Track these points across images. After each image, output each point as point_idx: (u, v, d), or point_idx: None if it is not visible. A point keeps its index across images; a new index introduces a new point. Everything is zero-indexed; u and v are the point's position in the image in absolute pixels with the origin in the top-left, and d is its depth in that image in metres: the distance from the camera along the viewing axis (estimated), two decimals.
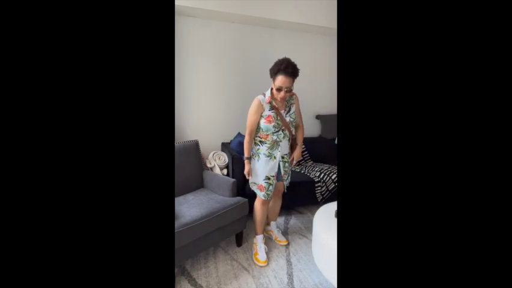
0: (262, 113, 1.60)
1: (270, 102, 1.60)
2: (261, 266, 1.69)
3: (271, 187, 1.70)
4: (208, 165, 2.34)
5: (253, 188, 1.76)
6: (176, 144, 1.96)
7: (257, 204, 1.77)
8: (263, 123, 1.60)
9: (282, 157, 1.69)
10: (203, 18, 2.44)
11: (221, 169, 2.34)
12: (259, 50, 2.67)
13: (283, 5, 2.47)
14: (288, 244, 1.93)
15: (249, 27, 2.63)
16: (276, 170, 1.69)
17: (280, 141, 1.64)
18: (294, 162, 1.74)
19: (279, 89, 1.51)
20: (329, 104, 3.13)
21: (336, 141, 2.93)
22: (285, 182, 1.77)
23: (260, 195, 1.72)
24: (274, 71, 1.51)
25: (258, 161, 1.67)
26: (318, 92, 3.06)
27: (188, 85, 2.50)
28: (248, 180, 1.78)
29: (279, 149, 1.65)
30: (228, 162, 2.34)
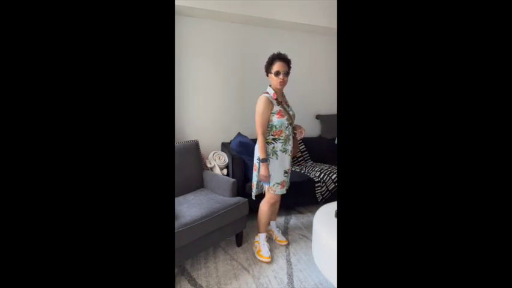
0: (272, 110, 1.61)
1: (276, 98, 1.64)
2: (266, 262, 1.70)
3: (288, 180, 1.74)
4: (208, 165, 2.34)
5: (277, 189, 1.70)
6: (176, 144, 1.96)
7: (264, 206, 1.76)
8: (276, 119, 1.61)
9: (290, 151, 1.73)
10: (203, 18, 2.44)
11: (221, 169, 2.34)
12: (259, 50, 2.67)
13: (283, 5, 2.47)
14: (288, 244, 1.93)
15: (249, 27, 2.63)
16: (289, 162, 1.72)
17: (291, 134, 1.69)
18: (303, 133, 1.76)
19: (277, 73, 1.56)
20: (329, 104, 3.13)
21: (336, 141, 2.93)
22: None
23: (283, 191, 1.73)
24: (269, 62, 1.60)
25: (276, 159, 1.67)
26: (318, 92, 3.06)
27: (188, 85, 2.50)
28: (253, 181, 1.74)
29: (290, 142, 1.69)
30: (228, 162, 2.34)
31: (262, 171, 1.63)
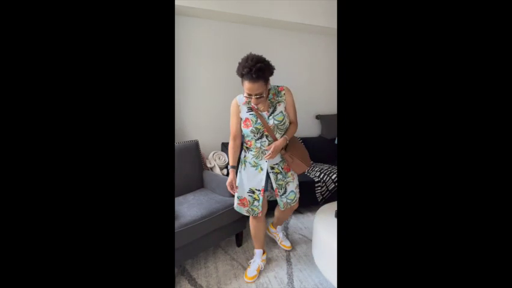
0: (240, 115, 1.39)
1: (247, 103, 1.36)
2: (247, 282, 1.55)
3: (256, 203, 1.46)
4: (208, 165, 2.34)
5: (235, 203, 1.50)
6: (176, 144, 1.96)
7: (250, 219, 1.57)
8: (242, 127, 1.40)
9: (272, 167, 1.44)
10: (203, 18, 2.44)
11: (221, 169, 2.34)
12: (258, 50, 2.63)
13: (283, 5, 2.47)
14: (292, 249, 1.86)
15: (249, 27, 2.63)
16: (263, 183, 1.44)
17: (266, 149, 1.38)
18: (268, 153, 1.34)
19: (248, 96, 1.28)
20: (329, 104, 3.13)
21: (336, 141, 2.93)
22: (279, 198, 1.50)
23: (242, 211, 1.49)
24: (240, 75, 1.26)
25: (244, 169, 1.47)
26: (318, 92, 3.06)
27: (188, 85, 2.50)
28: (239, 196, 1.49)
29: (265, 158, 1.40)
30: (228, 162, 2.34)
31: (228, 179, 1.42)
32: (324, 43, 2.97)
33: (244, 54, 2.43)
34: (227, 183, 1.44)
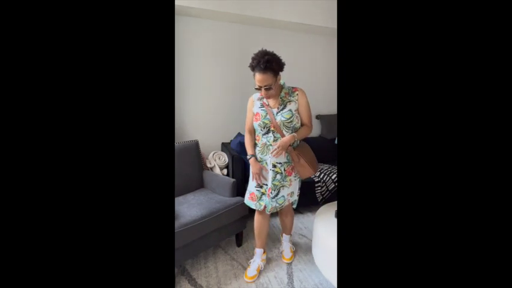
0: (253, 110, 1.49)
1: (260, 99, 1.46)
2: (247, 282, 1.56)
3: (264, 197, 1.50)
4: (208, 165, 2.34)
5: (246, 196, 1.58)
6: (176, 144, 1.96)
7: (255, 215, 1.61)
8: (253, 121, 1.47)
9: (274, 165, 1.44)
10: (203, 18, 2.44)
11: (221, 169, 2.34)
12: (258, 50, 2.67)
13: (283, 5, 2.47)
14: (291, 262, 1.76)
15: (249, 27, 2.63)
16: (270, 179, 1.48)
17: (270, 144, 1.42)
18: (275, 148, 1.38)
19: (258, 88, 1.34)
20: (329, 104, 3.13)
21: (336, 141, 2.93)
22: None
23: (251, 205, 1.55)
24: (252, 69, 1.34)
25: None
26: (318, 92, 3.05)
27: (188, 85, 2.50)
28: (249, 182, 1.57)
29: (269, 154, 1.43)
30: (228, 162, 2.34)
31: (253, 169, 1.48)
32: (324, 43, 2.96)
33: (244, 54, 2.43)
34: (253, 173, 1.47)
